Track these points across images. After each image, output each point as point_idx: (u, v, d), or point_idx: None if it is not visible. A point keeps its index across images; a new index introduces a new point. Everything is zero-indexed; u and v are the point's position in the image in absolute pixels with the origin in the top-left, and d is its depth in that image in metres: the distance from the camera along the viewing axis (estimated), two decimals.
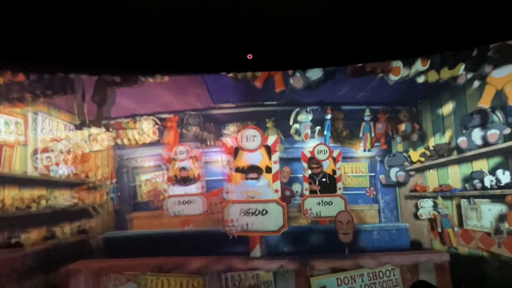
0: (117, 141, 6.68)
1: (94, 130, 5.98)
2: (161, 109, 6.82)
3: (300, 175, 7.30)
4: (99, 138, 6.01)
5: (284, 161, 7.30)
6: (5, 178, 4.88)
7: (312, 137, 6.84)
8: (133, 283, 5.25)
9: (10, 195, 4.92)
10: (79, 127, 5.90)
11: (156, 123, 6.79)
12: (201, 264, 5.31)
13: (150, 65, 5.41)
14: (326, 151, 6.43)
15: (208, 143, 7.12)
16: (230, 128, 7.14)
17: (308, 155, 6.45)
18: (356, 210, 6.92)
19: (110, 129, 6.49)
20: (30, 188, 5.27)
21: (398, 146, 6.96)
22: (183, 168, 6.47)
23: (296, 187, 7.16)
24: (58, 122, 6.03)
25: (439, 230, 5.98)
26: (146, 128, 6.70)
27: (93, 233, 6.14)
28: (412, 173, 6.67)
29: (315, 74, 5.77)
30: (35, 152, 5.48)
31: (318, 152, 6.43)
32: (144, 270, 5.30)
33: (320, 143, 6.58)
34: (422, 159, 6.34)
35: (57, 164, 5.49)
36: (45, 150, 5.53)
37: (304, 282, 5.09)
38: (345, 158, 7.31)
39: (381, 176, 6.97)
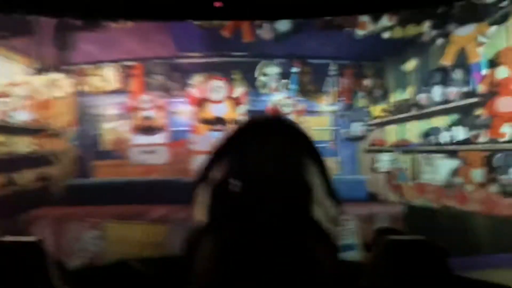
0: (79, 87, 6.45)
1: (54, 75, 5.74)
2: (125, 56, 6.56)
3: None
4: (60, 84, 5.78)
5: (250, 114, 7.29)
6: None
7: (278, 90, 6.81)
8: (95, 230, 5.24)
9: None
10: (38, 71, 5.65)
11: (120, 71, 6.56)
12: (164, 212, 5.33)
13: (113, 9, 5.19)
14: (289, 105, 6.45)
15: (174, 92, 6.99)
16: (196, 78, 7.02)
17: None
18: None
19: (72, 75, 6.24)
20: None
21: (361, 101, 7.03)
22: (146, 117, 6.36)
23: None
24: (16, 66, 5.75)
25: (395, 183, 6.20)
26: (109, 76, 6.48)
27: (54, 181, 6.03)
28: (372, 127, 6.80)
29: (283, 25, 5.69)
30: None
31: (283, 106, 6.44)
32: (107, 217, 5.29)
33: (285, 97, 6.59)
34: (383, 114, 6.46)
35: (15, 110, 5.28)
36: (2, 95, 5.28)
37: None
38: (310, 112, 7.37)
39: (343, 130, 7.09)
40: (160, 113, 6.62)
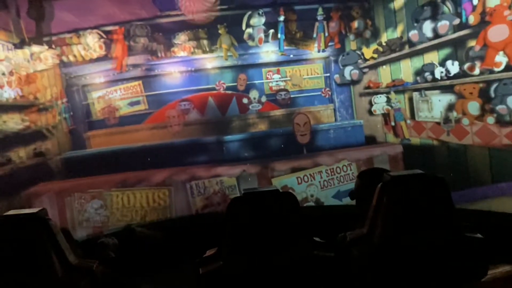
0: (62, 58, 6.35)
1: (35, 48, 5.60)
2: (105, 21, 6.43)
3: (257, 81, 7.30)
4: (42, 57, 5.66)
5: (239, 68, 7.23)
6: None
7: (266, 41, 6.68)
8: (98, 200, 5.32)
9: None
10: (18, 46, 5.50)
11: (102, 37, 6.42)
12: (165, 175, 5.39)
13: None
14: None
15: (159, 54, 6.90)
16: (181, 37, 6.91)
17: None
18: (313, 111, 7.07)
19: (53, 46, 6.14)
20: None
21: (352, 44, 6.97)
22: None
23: (253, 93, 7.18)
24: None
25: (393, 124, 6.24)
26: (92, 43, 6.35)
27: (50, 155, 6.05)
28: (365, 70, 6.77)
29: None
30: None
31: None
32: (108, 187, 5.35)
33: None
34: (375, 55, 6.40)
35: (0, 87, 5.20)
36: None
37: (266, 183, 5.29)
38: (300, 61, 7.32)
39: (336, 76, 7.04)
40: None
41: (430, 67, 5.30)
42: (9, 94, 5.26)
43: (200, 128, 6.94)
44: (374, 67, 6.69)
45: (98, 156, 6.13)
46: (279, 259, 1.42)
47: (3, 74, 5.23)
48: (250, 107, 7.17)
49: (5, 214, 1.41)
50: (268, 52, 7.09)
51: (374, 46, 6.44)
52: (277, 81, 7.38)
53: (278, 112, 7.19)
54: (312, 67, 7.37)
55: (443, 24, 4.89)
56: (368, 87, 6.73)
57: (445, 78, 5.02)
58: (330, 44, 6.85)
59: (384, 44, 6.19)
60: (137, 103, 7.19)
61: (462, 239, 1.34)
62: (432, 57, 5.41)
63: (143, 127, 7.07)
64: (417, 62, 5.75)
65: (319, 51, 6.91)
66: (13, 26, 5.51)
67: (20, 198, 5.00)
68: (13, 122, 5.35)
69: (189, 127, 6.91)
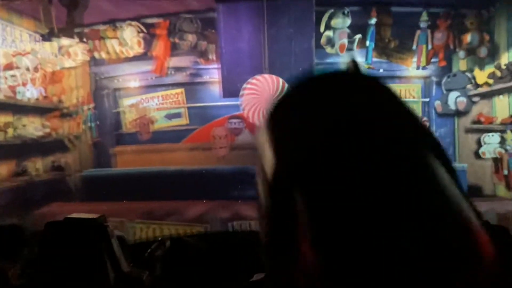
0: (94, 54, 7.32)
1: (64, 41, 6.70)
2: (147, 12, 7.31)
3: None
4: (72, 51, 6.79)
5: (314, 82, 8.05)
6: None
7: (350, 49, 7.22)
8: (118, 232, 6.35)
9: None
10: (47, 37, 6.58)
11: (141, 31, 7.32)
12: (202, 210, 6.10)
13: None
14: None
15: (209, 56, 7.57)
16: None
17: None
18: None
19: (84, 40, 7.16)
20: None
21: (461, 63, 7.54)
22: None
23: None
24: (22, 32, 6.78)
25: (505, 172, 6.70)
26: (129, 37, 7.24)
27: (69, 171, 7.12)
28: (476, 99, 7.32)
29: None
30: None
31: None
32: (132, 217, 6.09)
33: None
34: (491, 81, 6.92)
35: (24, 84, 6.27)
36: (9, 66, 6.26)
37: None
38: (392, 78, 7.86)
39: (437, 103, 7.67)
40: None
41: None
42: (31, 93, 6.39)
43: (252, 154, 7.78)
44: (488, 96, 7.20)
45: (124, 178, 6.97)
46: None
47: (28, 69, 6.37)
48: None
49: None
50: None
51: (490, 69, 6.98)
52: None
53: None
54: (406, 88, 8.03)
55: None
56: (477, 122, 7.25)
57: None
58: (433, 60, 7.45)
59: (503, 67, 6.70)
60: (177, 116, 8.10)
61: None
62: None
63: (181, 147, 7.82)
64: None
65: (418, 68, 7.53)
66: (43, 14, 6.49)
67: (33, 216, 5.91)
68: (33, 127, 6.46)
69: (238, 152, 7.50)
